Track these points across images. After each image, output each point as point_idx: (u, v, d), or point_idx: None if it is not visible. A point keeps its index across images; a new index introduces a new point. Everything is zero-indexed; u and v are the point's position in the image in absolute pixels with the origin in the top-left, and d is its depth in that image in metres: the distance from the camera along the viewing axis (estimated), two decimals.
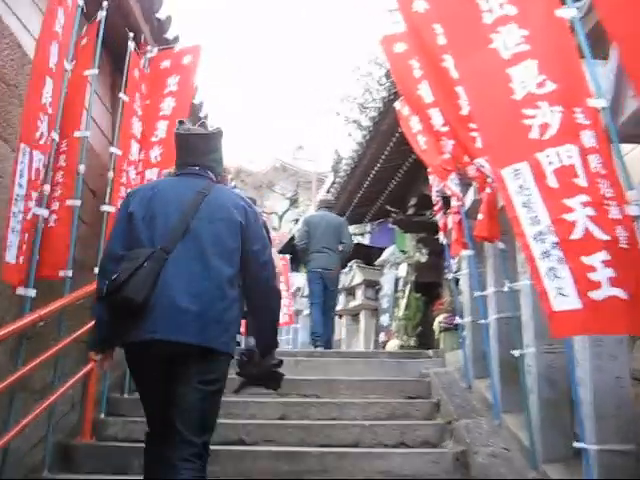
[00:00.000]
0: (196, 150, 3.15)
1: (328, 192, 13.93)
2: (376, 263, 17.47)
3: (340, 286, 13.25)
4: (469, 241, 5.07)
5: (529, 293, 3.91)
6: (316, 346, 8.63)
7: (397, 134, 8.90)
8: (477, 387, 5.26)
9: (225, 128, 3.27)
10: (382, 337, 12.38)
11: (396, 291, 12.34)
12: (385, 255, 16.53)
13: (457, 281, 6.96)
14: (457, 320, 6.37)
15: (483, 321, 4.89)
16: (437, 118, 4.50)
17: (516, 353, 4.09)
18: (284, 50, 72.57)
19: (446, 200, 6.06)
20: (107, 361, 3.03)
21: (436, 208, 6.36)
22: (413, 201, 11.28)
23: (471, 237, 4.99)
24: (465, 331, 5.88)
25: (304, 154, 19.92)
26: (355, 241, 17.10)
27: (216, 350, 2.80)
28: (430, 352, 7.14)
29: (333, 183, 12.34)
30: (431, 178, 6.26)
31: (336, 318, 14.37)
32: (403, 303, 11.52)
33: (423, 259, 12.50)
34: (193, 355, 2.76)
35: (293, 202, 33.72)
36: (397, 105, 6.52)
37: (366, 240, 17.26)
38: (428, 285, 12.20)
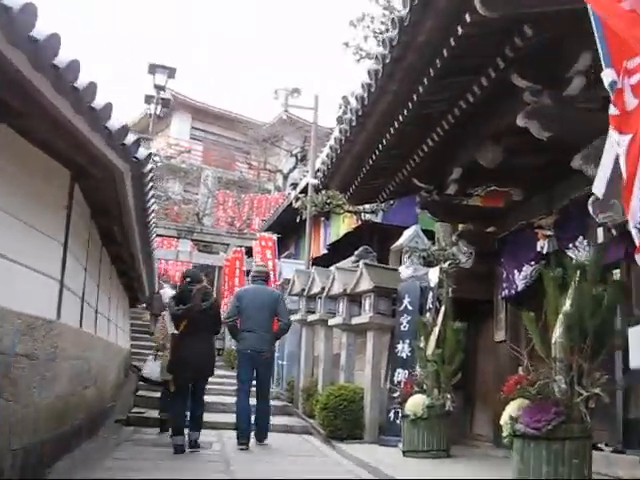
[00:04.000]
0: None
1: (329, 152, 9.90)
2: (392, 248, 13.33)
3: (341, 290, 9.18)
4: None
5: None
6: (241, 444, 7.55)
7: (447, 50, 4.61)
8: None
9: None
10: (400, 377, 8.20)
11: (422, 309, 8.16)
12: (403, 239, 12.25)
13: None
14: None
15: None
16: None
17: None
18: None
19: None
20: None
21: None
22: (456, 174, 7.01)
23: None
24: None
25: (301, 100, 15.53)
26: (365, 218, 13.05)
27: None
28: None
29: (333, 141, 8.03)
30: None
31: (334, 332, 10.31)
32: (434, 334, 7.33)
33: (465, 263, 8.27)
34: None
35: (301, 159, 29.65)
36: None
37: (378, 218, 13.03)
38: (472, 305, 8.02)
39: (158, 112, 15.27)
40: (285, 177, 30.24)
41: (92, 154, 4.63)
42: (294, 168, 29.54)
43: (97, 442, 7.45)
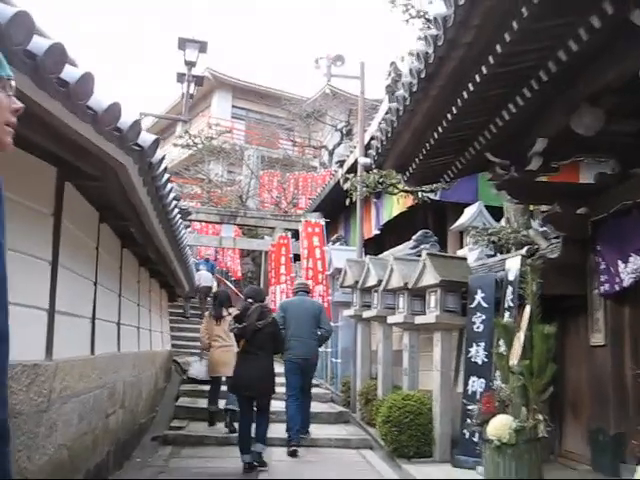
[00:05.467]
0: None
1: (380, 123, 8.71)
2: (451, 229, 12.05)
3: (401, 284, 7.96)
4: None
5: None
6: (291, 447, 7.79)
7: None
8: None
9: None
10: (475, 387, 6.99)
11: (498, 306, 6.89)
12: (465, 218, 10.98)
13: None
14: None
15: None
16: None
17: None
18: None
19: None
20: None
21: None
22: (540, 145, 5.68)
23: None
24: None
25: (345, 70, 14.14)
26: (423, 198, 11.72)
27: None
28: None
29: (387, 113, 6.75)
30: None
31: (394, 331, 9.13)
32: (518, 341, 6.07)
33: (548, 249, 6.95)
34: None
35: (346, 134, 28.37)
36: None
37: (436, 195, 11.65)
38: (557, 300, 6.68)
39: (192, 91, 14.10)
40: (331, 153, 29.01)
41: (76, 144, 3.49)
42: (340, 143, 28.30)
43: (127, 474, 6.47)
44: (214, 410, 8.99)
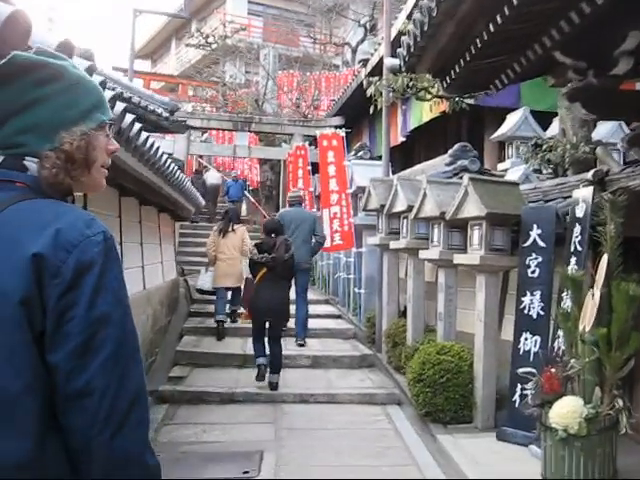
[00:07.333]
0: None
1: (409, 18, 7.10)
2: (491, 139, 10.50)
3: (436, 213, 6.51)
4: None
5: None
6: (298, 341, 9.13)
7: None
8: None
9: None
10: (529, 346, 5.66)
11: (561, 244, 5.47)
12: (507, 127, 9.41)
13: None
14: None
15: None
16: None
17: None
18: None
19: None
20: None
21: None
22: (632, 41, 4.13)
23: None
24: None
25: None
26: (460, 102, 10.07)
27: None
28: None
29: (417, 3, 5.09)
30: None
31: (427, 267, 7.78)
32: (592, 301, 4.67)
33: (630, 178, 5.41)
34: None
35: (370, 29, 26.32)
36: None
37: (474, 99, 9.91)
38: (631, 244, 5.20)
39: None
40: (354, 50, 26.96)
41: None
42: (363, 40, 26.20)
43: None
44: (221, 319, 9.55)
